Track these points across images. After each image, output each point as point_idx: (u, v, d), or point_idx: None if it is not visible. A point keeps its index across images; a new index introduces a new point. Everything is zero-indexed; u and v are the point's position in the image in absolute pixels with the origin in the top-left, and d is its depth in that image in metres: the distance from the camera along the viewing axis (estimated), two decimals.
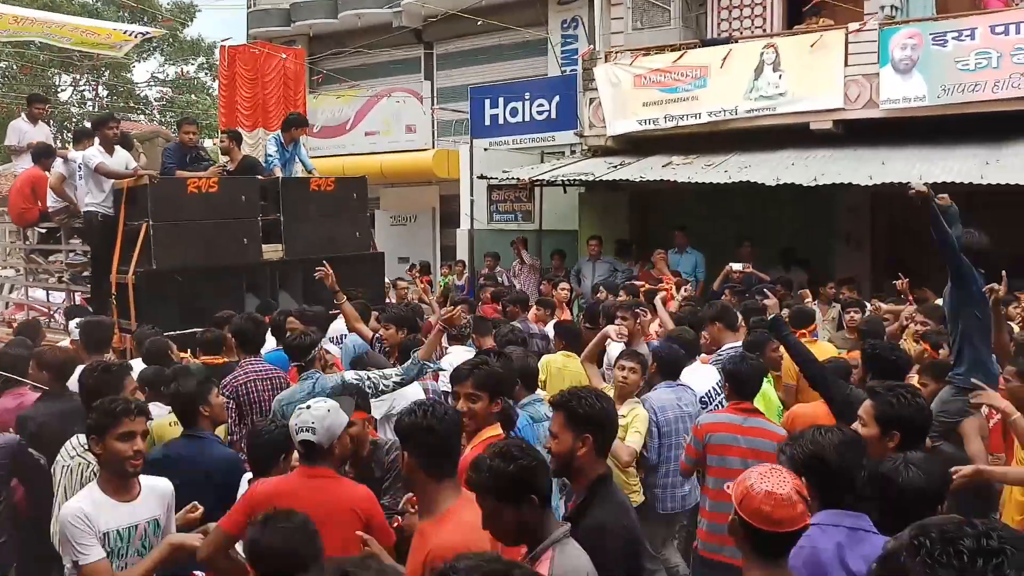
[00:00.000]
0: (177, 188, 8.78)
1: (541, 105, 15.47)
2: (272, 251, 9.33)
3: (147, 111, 32.29)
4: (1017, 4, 11.24)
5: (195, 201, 8.70)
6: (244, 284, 8.92)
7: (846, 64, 11.31)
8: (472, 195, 14.95)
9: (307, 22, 20.29)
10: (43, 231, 10.22)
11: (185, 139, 9.99)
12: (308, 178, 10.27)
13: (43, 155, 9.91)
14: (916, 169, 10.11)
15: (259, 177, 9.50)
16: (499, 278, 12.82)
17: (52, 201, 9.60)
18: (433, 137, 18.64)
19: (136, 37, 13.75)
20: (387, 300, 10.49)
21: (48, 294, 10.62)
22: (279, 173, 10.12)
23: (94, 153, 8.75)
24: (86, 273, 9.45)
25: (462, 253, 14.98)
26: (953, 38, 10.72)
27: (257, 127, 13.56)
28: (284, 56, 13.74)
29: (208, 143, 10.76)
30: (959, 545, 1.45)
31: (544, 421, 4.67)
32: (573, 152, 14.66)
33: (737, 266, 10.21)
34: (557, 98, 15.23)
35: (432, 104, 18.77)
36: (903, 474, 2.93)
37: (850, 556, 2.87)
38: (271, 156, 10.21)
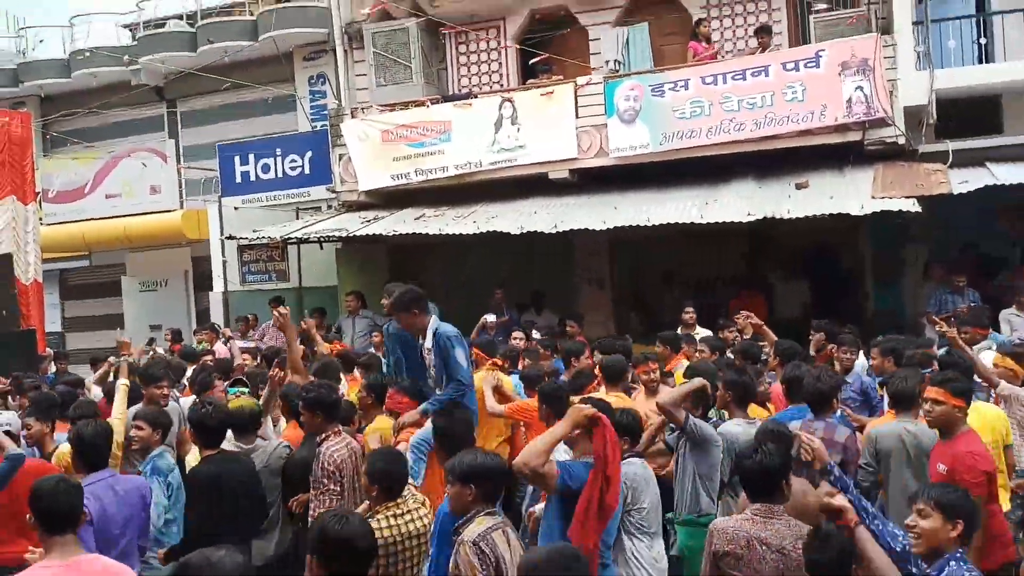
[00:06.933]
0: None
1: (294, 161, 15.29)
2: None
3: None
4: (723, 56, 12.35)
5: None
6: None
7: (577, 116, 11.94)
8: (224, 256, 14.47)
9: (37, 82, 18.97)
10: None
11: None
12: None
13: None
14: (645, 212, 10.84)
15: None
16: (260, 339, 12.31)
17: None
18: (181, 197, 17.86)
19: None
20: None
21: None
22: None
23: None
24: None
25: (216, 316, 14.42)
26: (670, 89, 11.60)
27: None
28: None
29: None
30: None
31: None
32: (329, 207, 14.50)
33: (491, 317, 10.44)
34: (310, 153, 15.11)
35: (178, 163, 18.03)
36: None
37: None
38: None
